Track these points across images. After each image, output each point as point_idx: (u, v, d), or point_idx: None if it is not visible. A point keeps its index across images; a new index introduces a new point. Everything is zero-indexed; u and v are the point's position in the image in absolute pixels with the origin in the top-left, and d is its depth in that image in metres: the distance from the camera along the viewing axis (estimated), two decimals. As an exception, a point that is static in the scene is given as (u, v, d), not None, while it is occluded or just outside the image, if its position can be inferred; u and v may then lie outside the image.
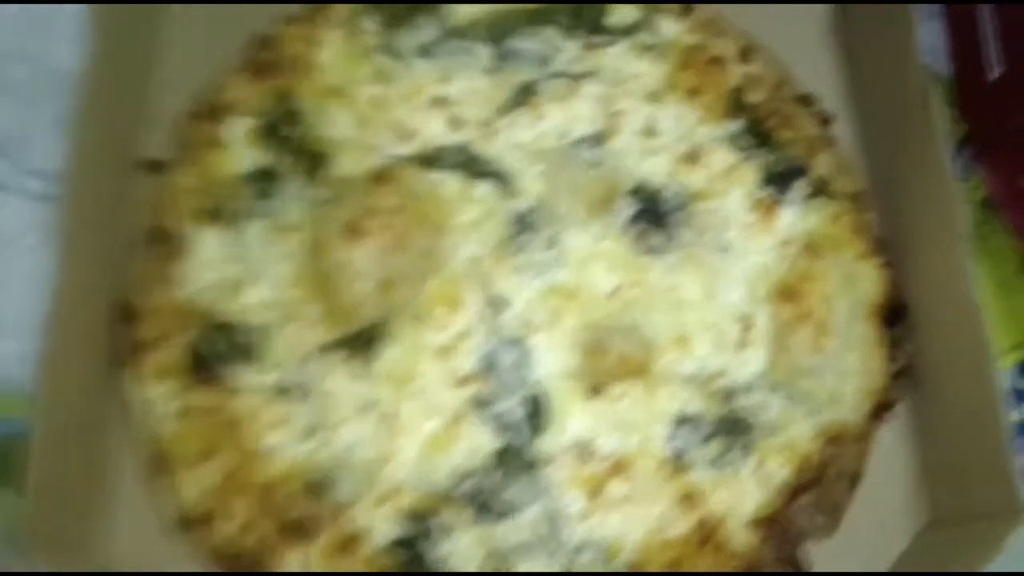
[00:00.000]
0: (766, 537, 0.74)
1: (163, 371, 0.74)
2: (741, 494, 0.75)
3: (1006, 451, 0.71)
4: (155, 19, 0.85)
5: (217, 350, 0.74)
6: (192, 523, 0.71)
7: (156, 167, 0.80)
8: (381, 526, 0.71)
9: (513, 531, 0.72)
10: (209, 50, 0.84)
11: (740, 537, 0.74)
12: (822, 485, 0.76)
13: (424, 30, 0.84)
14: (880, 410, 0.79)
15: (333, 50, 0.83)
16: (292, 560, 0.69)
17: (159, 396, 0.73)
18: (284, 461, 0.72)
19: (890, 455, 0.80)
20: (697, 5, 0.87)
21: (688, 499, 0.74)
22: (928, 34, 0.93)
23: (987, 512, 0.73)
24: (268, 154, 0.80)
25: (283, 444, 0.72)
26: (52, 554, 0.64)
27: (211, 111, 0.81)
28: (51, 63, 0.83)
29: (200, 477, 0.71)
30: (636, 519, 0.73)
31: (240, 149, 0.80)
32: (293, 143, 0.80)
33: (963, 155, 0.91)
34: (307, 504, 0.71)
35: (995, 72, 0.85)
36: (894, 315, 0.81)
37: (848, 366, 0.78)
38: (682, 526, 0.73)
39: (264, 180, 0.79)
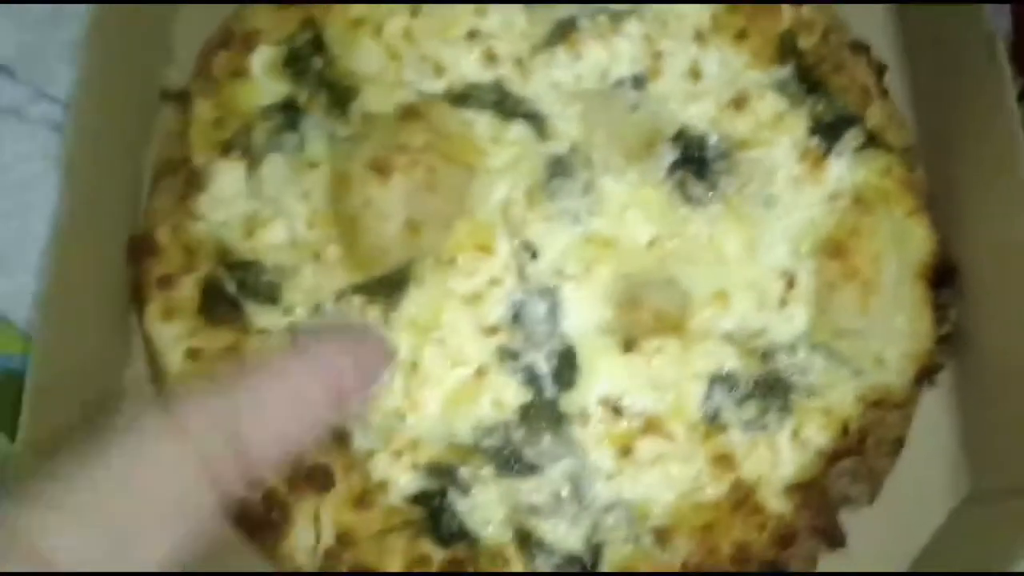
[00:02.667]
0: (802, 504, 0.66)
1: (175, 310, 0.66)
2: (777, 458, 0.67)
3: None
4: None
5: (231, 289, 0.67)
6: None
7: (177, 97, 0.72)
8: (400, 479, 0.64)
9: (538, 488, 0.65)
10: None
11: (775, 503, 0.66)
12: (862, 452, 0.68)
13: (460, -40, 0.75)
14: (925, 375, 0.70)
15: (364, -23, 0.74)
16: (304, 513, 0.62)
17: (170, 336, 0.66)
18: (300, 409, 0.65)
19: (932, 423, 0.71)
20: (747, -57, 0.77)
21: (722, 461, 0.66)
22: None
23: (1030, 486, 0.65)
24: (292, 86, 0.72)
25: (300, 391, 0.65)
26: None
27: (234, 40, 0.72)
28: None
29: (210, 423, 0.64)
30: (667, 480, 0.65)
31: (263, 80, 0.72)
32: (319, 75, 0.72)
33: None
34: (322, 455, 0.63)
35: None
36: (942, 276, 0.72)
37: (894, 328, 0.70)
38: (715, 489, 0.66)
39: (287, 113, 0.71)
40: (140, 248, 0.68)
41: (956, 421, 0.72)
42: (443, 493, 0.64)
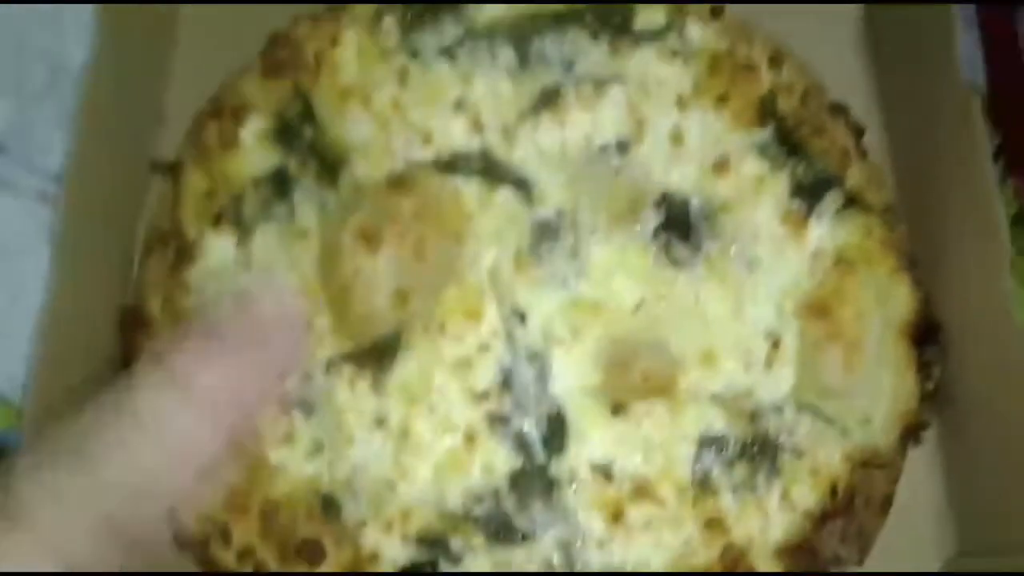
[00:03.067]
0: (792, 566, 0.66)
1: (167, 382, 0.66)
2: (767, 521, 0.67)
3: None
4: (168, 17, 0.78)
5: (224, 361, 0.66)
6: (189, 545, 0.64)
7: (168, 168, 0.73)
8: (391, 550, 0.64)
9: (529, 557, 0.64)
10: (225, 50, 0.76)
11: (766, 566, 0.66)
12: (851, 512, 0.68)
13: (447, 31, 0.75)
14: (910, 433, 0.71)
15: (352, 50, 0.74)
16: (296, 587, 0.62)
17: (162, 409, 0.65)
18: (289, 480, 0.65)
19: (919, 481, 0.72)
20: (727, 9, 0.78)
21: (713, 525, 0.66)
22: (961, 44, 0.85)
23: (1019, 542, 0.65)
24: (282, 156, 0.72)
25: (289, 461, 0.65)
26: None
27: (225, 111, 0.73)
28: (63, 61, 0.75)
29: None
30: (659, 545, 0.65)
31: (254, 150, 0.72)
32: (309, 145, 0.72)
33: (995, 168, 0.83)
34: (313, 526, 0.63)
35: (1036, 82, 0.77)
36: (926, 334, 0.72)
37: (879, 387, 0.70)
38: (706, 554, 0.66)
39: (278, 182, 0.71)
40: (131, 320, 0.68)
41: (943, 478, 0.73)
42: (434, 564, 0.64)
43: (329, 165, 0.72)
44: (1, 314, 0.68)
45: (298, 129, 0.72)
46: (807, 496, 0.67)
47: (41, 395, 0.62)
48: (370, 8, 0.75)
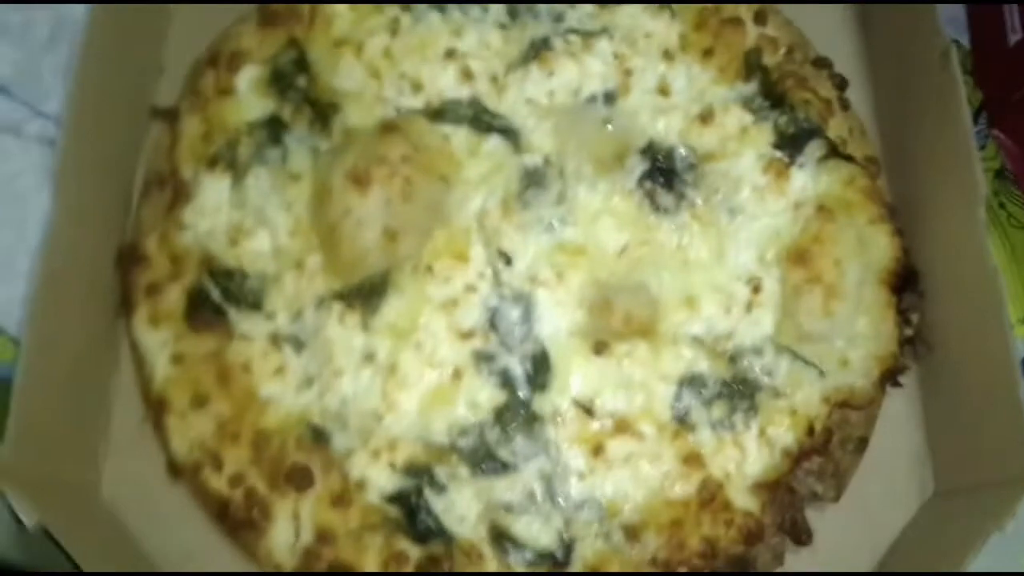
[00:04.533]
0: (769, 501, 0.66)
1: (161, 316, 0.67)
2: (745, 457, 0.67)
3: (1021, 416, 0.62)
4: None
5: (217, 296, 0.67)
6: (181, 472, 0.64)
7: (166, 114, 0.73)
8: (377, 479, 0.64)
9: (511, 487, 0.64)
10: (223, 3, 0.76)
11: (742, 500, 0.66)
12: (827, 451, 0.68)
13: (439, -18, 0.76)
14: (889, 376, 0.70)
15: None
16: (284, 511, 0.62)
17: (156, 341, 0.66)
18: (280, 411, 0.65)
19: (898, 423, 0.72)
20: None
21: (691, 460, 0.66)
22: (946, 5, 0.85)
23: (998, 480, 0.64)
24: (277, 103, 0.72)
25: (279, 394, 0.65)
26: (33, 496, 0.57)
27: (222, 59, 0.73)
28: (68, 11, 0.75)
29: (192, 425, 0.65)
30: (637, 479, 0.65)
31: (249, 97, 0.72)
32: (303, 92, 0.72)
33: (978, 124, 0.82)
34: (301, 455, 0.63)
35: (1016, 36, 0.76)
36: (905, 281, 0.72)
37: (857, 331, 0.70)
38: (684, 488, 0.66)
39: (272, 128, 0.71)
40: (128, 257, 0.68)
41: (921, 421, 0.72)
42: (419, 492, 0.64)
43: (322, 112, 0.72)
44: (7, 252, 0.69)
45: (292, 77, 0.73)
46: (784, 435, 0.67)
47: (40, 329, 0.62)
48: (365, -39, 0.76)
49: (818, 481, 0.67)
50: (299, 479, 0.62)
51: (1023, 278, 0.80)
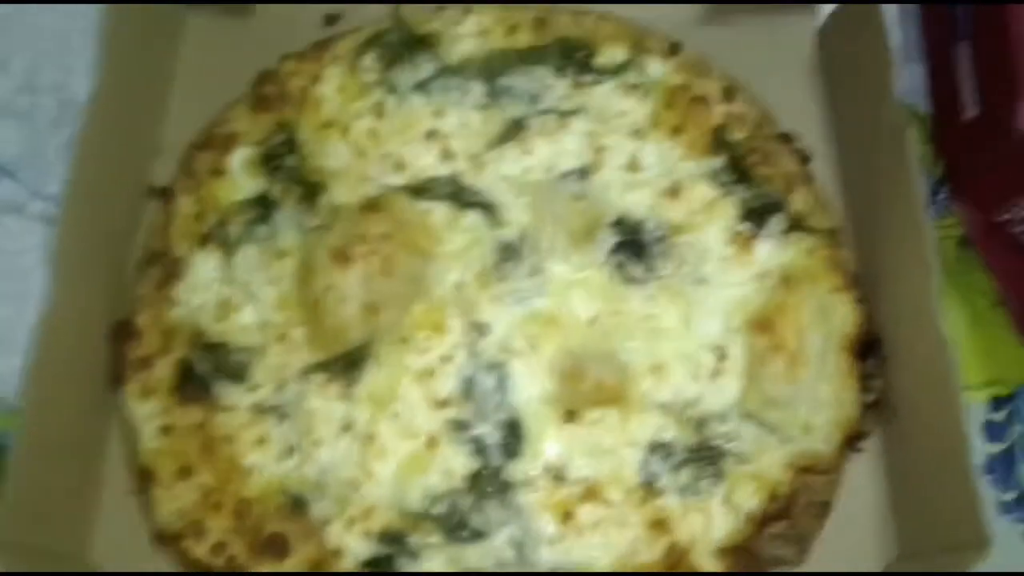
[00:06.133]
0: (733, 565, 0.66)
1: (151, 389, 0.69)
2: (710, 522, 0.67)
3: (972, 484, 0.63)
4: (167, 56, 0.81)
5: (204, 369, 0.69)
6: (167, 539, 0.65)
7: (161, 193, 0.76)
8: (354, 546, 0.65)
9: (483, 554, 0.65)
10: (217, 86, 0.79)
11: (708, 564, 0.66)
12: (791, 515, 0.68)
13: (422, 67, 0.78)
14: (851, 441, 0.71)
15: (333, 85, 0.77)
16: (262, 578, 0.64)
17: (145, 413, 0.68)
18: (262, 480, 0.66)
19: (861, 487, 0.72)
20: (683, 47, 0.80)
21: (658, 525, 0.67)
22: (910, 76, 0.87)
23: (954, 545, 0.65)
24: (267, 182, 0.75)
25: (262, 463, 0.67)
26: (28, 561, 0.58)
27: (215, 141, 0.76)
28: (71, 94, 0.79)
29: (177, 495, 0.66)
30: (606, 544, 0.66)
31: (240, 177, 0.75)
32: (291, 172, 0.75)
33: (942, 193, 0.84)
34: (282, 522, 0.65)
35: (971, 112, 0.78)
36: (867, 348, 0.73)
37: (821, 397, 0.71)
38: (651, 552, 0.66)
39: (261, 206, 0.74)
40: (121, 332, 0.70)
41: (884, 485, 0.73)
42: (393, 559, 0.65)
43: (309, 190, 0.74)
44: (7, 324, 0.72)
45: (282, 158, 0.75)
46: (749, 499, 0.68)
47: (36, 400, 0.64)
48: (351, 47, 0.79)
49: (782, 545, 0.68)
50: (276, 548, 0.64)
51: (985, 343, 0.81)
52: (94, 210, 0.69)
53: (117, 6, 0.72)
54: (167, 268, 0.71)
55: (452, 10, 0.80)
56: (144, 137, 0.77)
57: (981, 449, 0.78)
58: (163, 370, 0.69)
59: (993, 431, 0.79)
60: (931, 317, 0.67)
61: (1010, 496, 0.77)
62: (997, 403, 0.80)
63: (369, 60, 0.78)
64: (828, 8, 0.85)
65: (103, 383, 0.70)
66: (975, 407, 0.79)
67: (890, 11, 0.77)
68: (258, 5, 0.83)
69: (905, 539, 0.71)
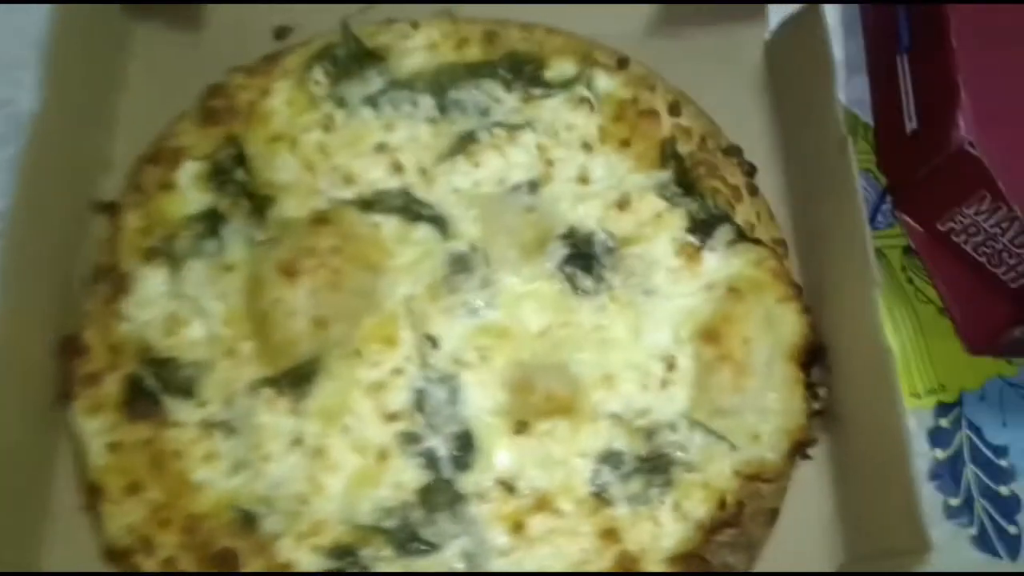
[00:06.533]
0: (684, 573, 0.67)
1: (99, 405, 0.67)
2: (660, 530, 0.68)
3: (914, 490, 0.64)
4: (116, 70, 0.80)
5: (153, 384, 0.68)
6: (117, 555, 0.65)
7: (108, 208, 0.75)
8: (305, 560, 0.64)
9: (436, 566, 0.65)
10: (166, 99, 0.78)
11: (658, 572, 0.67)
12: (740, 523, 0.69)
13: (371, 81, 0.78)
14: (798, 449, 0.72)
15: (282, 98, 0.77)
16: (212, 596, 0.63)
17: (94, 429, 0.67)
18: (212, 495, 0.65)
19: (808, 494, 0.73)
20: (631, 61, 0.81)
21: (609, 534, 0.67)
22: (857, 87, 0.89)
23: (898, 549, 0.66)
24: (216, 196, 0.74)
25: (211, 478, 0.66)
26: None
27: (163, 155, 0.75)
28: (19, 109, 0.77)
29: (126, 511, 0.65)
30: (557, 554, 0.66)
31: (189, 191, 0.74)
32: (240, 186, 0.74)
33: (887, 203, 0.86)
34: (232, 538, 0.64)
35: (912, 124, 0.79)
36: (812, 357, 0.74)
37: (767, 405, 0.72)
38: (602, 561, 0.66)
39: (210, 221, 0.73)
40: (69, 347, 0.69)
41: (831, 491, 0.74)
42: (347, 573, 0.64)
43: (258, 204, 0.74)
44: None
45: (230, 172, 0.75)
46: (698, 507, 0.69)
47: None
48: (301, 61, 0.78)
49: (731, 552, 0.68)
50: (226, 563, 0.63)
51: (930, 351, 0.82)
52: (41, 225, 0.68)
53: (62, 15, 0.71)
54: (115, 283, 0.70)
55: (401, 24, 0.80)
56: (91, 151, 0.76)
57: (927, 455, 0.80)
58: (111, 386, 0.68)
59: (938, 437, 0.81)
60: (873, 327, 0.69)
61: (955, 501, 0.79)
62: (942, 409, 0.82)
63: (318, 74, 0.78)
64: (776, 21, 0.86)
65: (51, 399, 0.69)
66: (921, 414, 0.81)
67: (835, 23, 0.78)
68: (207, 16, 0.82)
69: (851, 544, 0.72)
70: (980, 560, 0.77)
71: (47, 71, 0.70)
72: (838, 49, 0.84)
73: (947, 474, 0.79)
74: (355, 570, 0.64)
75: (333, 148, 0.76)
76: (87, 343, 0.69)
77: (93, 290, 0.71)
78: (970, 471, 0.79)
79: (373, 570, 0.64)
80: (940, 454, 0.80)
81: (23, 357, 0.67)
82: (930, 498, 0.78)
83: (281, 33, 0.82)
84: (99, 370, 0.68)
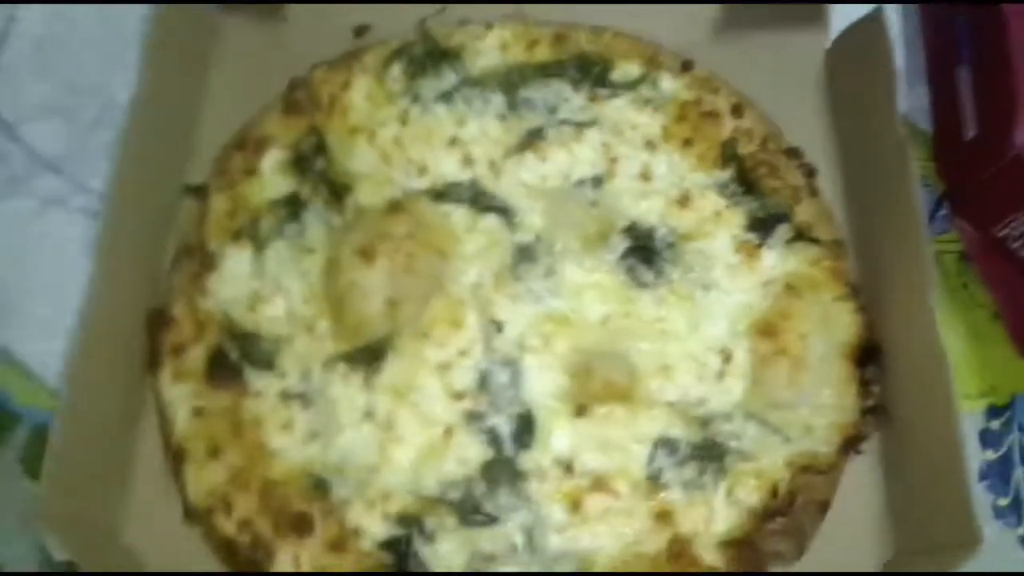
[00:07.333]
0: (734, 559, 0.69)
1: (185, 374, 0.71)
2: (713, 515, 0.70)
3: (966, 486, 0.65)
4: (203, 63, 0.85)
5: (235, 356, 0.72)
6: (196, 516, 0.68)
7: (197, 191, 0.79)
8: (372, 527, 0.67)
9: (495, 538, 0.68)
10: (249, 91, 0.83)
11: (709, 556, 0.68)
12: (791, 512, 0.70)
13: (445, 79, 0.82)
14: (850, 444, 0.73)
15: (362, 93, 0.81)
16: (283, 556, 0.66)
17: (178, 396, 0.71)
18: (287, 462, 0.69)
19: (858, 489, 0.74)
20: (695, 64, 0.84)
21: (662, 517, 0.69)
22: (915, 98, 0.90)
23: (947, 544, 0.67)
24: (297, 183, 0.78)
25: (287, 447, 0.69)
26: (65, 538, 0.61)
27: (248, 143, 0.79)
28: (113, 97, 0.82)
29: (207, 474, 0.69)
30: (612, 533, 0.68)
31: (272, 177, 0.78)
32: (320, 174, 0.78)
33: (943, 209, 0.87)
34: (305, 503, 0.67)
35: (971, 132, 0.80)
36: (867, 355, 0.75)
37: (821, 401, 0.73)
38: (655, 543, 0.68)
39: (291, 206, 0.77)
40: (157, 320, 0.73)
41: (882, 486, 0.75)
42: (410, 540, 0.67)
43: (337, 192, 0.77)
44: (53, 310, 0.75)
45: (311, 160, 0.79)
46: (751, 495, 0.70)
47: (77, 383, 0.67)
48: (379, 58, 0.82)
49: (781, 541, 0.70)
50: (301, 525, 0.66)
51: (983, 354, 0.83)
52: (134, 206, 0.73)
53: (159, 14, 0.76)
54: (202, 261, 0.75)
55: (475, 26, 0.84)
56: (181, 138, 0.81)
57: (977, 456, 0.81)
58: (196, 356, 0.72)
59: (989, 439, 0.81)
60: (929, 330, 0.70)
61: (1004, 501, 0.79)
62: (993, 412, 0.82)
63: (396, 71, 0.82)
64: (836, 30, 0.88)
65: (140, 368, 0.73)
66: (972, 415, 0.82)
67: (896, 36, 0.80)
68: (291, 15, 0.86)
69: (900, 539, 0.73)
70: (1029, 560, 0.78)
71: (143, 63, 0.75)
72: (899, 58, 0.85)
73: (997, 475, 0.80)
74: (420, 537, 0.67)
75: (408, 141, 0.79)
76: (175, 316, 0.73)
77: (181, 267, 0.76)
78: (1020, 472, 0.80)
79: (437, 538, 0.67)
80: (991, 455, 0.81)
81: (115, 328, 0.71)
82: (979, 498, 0.78)
83: (360, 31, 0.86)
84: (185, 341, 0.72)
